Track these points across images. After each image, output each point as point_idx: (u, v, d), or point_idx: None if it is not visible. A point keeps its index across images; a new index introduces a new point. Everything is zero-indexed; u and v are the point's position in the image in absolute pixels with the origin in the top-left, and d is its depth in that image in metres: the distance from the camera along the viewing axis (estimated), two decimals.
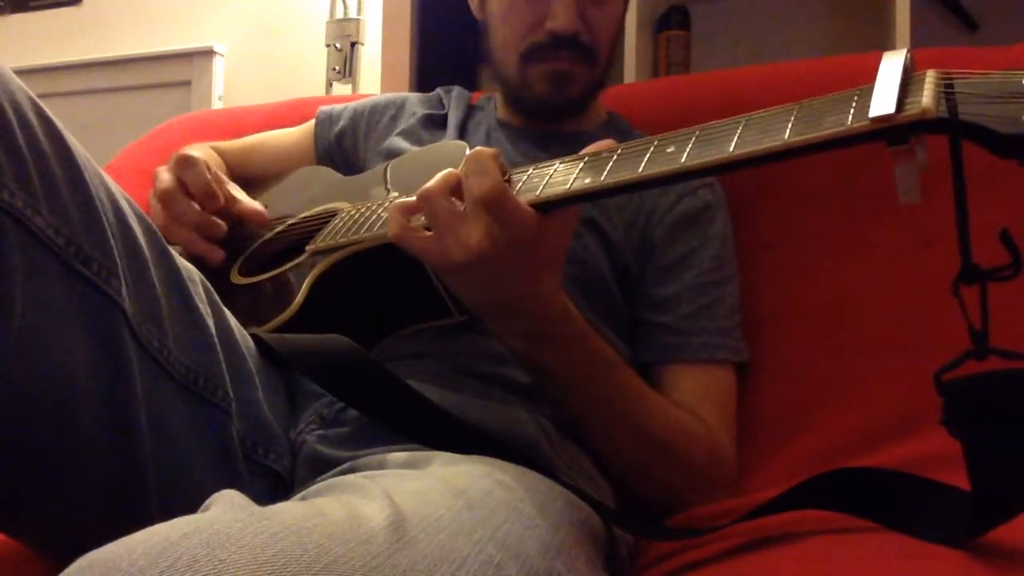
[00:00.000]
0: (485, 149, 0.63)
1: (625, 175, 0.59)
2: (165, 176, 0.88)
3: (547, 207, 0.62)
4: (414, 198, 0.65)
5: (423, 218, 0.66)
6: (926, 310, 0.87)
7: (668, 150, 0.59)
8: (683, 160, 0.57)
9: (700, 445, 0.79)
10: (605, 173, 0.60)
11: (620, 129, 1.02)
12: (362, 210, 0.80)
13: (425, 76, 1.68)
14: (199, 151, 0.98)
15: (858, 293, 0.93)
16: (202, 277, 0.70)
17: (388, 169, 0.91)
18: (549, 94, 0.95)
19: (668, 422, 0.77)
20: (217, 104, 2.35)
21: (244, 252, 0.91)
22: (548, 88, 0.94)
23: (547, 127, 0.99)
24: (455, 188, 0.64)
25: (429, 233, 0.64)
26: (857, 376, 0.89)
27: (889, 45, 1.45)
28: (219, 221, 0.88)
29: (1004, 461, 0.48)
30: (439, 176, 0.64)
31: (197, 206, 0.87)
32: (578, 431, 0.77)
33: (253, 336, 0.74)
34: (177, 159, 0.89)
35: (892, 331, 0.90)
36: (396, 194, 0.80)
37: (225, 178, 0.93)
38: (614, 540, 0.66)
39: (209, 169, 0.89)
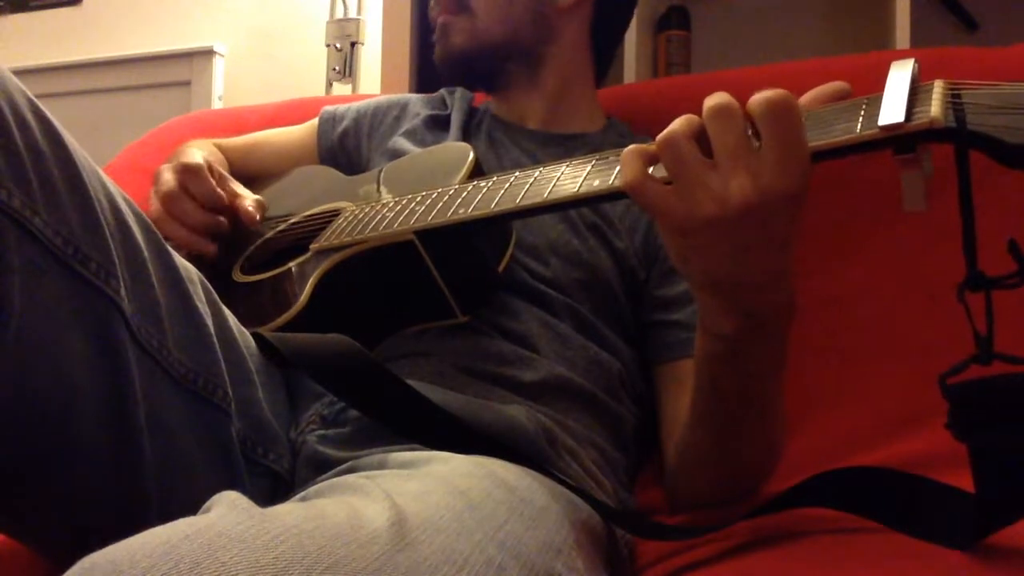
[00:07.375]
0: None
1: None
2: (167, 177, 0.88)
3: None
4: (652, 145, 0.55)
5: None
6: (926, 310, 0.87)
7: None
8: None
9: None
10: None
11: (620, 133, 1.02)
12: (366, 209, 0.79)
13: (425, 76, 1.67)
14: (201, 148, 0.98)
15: (858, 293, 0.93)
16: (201, 276, 0.70)
17: (383, 171, 0.90)
18: (438, 50, 0.99)
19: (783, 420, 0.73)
20: (217, 104, 2.35)
21: (246, 250, 0.91)
22: (437, 45, 0.99)
23: (545, 121, 0.99)
24: (700, 135, 0.54)
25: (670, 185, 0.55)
26: (857, 376, 0.89)
27: (889, 45, 1.45)
28: (221, 219, 0.88)
29: (1009, 465, 0.48)
30: (681, 119, 0.55)
31: (199, 207, 0.87)
32: (716, 430, 0.70)
33: (254, 335, 0.74)
34: (179, 166, 0.89)
35: (892, 331, 0.90)
36: (390, 196, 0.80)
37: (227, 174, 0.93)
38: (614, 540, 0.66)
39: (212, 171, 0.89)
